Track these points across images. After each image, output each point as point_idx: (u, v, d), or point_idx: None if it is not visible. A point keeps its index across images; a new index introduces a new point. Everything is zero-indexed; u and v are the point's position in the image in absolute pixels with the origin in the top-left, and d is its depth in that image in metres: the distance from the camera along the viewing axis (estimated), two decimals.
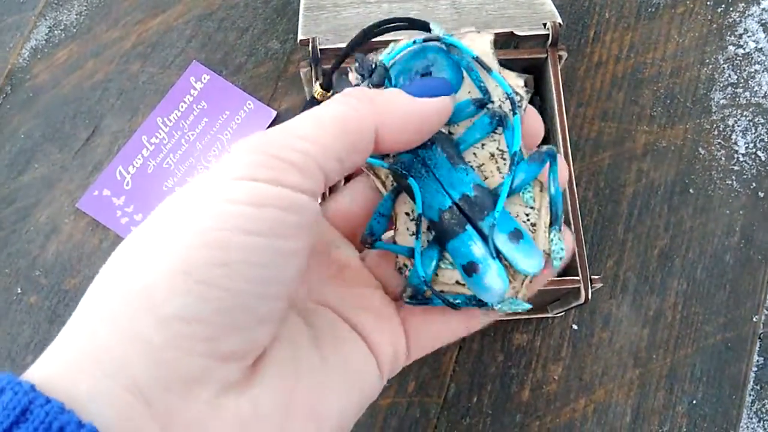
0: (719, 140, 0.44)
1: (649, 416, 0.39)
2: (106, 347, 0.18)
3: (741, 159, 0.43)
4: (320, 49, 0.35)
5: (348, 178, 0.28)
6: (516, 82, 0.26)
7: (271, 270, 0.19)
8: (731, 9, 0.46)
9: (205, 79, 0.45)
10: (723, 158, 0.43)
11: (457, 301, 0.25)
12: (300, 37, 0.36)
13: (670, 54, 0.45)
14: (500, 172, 0.25)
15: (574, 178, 0.35)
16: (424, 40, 0.25)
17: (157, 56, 0.45)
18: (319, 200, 0.23)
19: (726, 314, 0.41)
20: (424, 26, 0.26)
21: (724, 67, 0.45)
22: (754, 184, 0.43)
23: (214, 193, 0.19)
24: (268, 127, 0.41)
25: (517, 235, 0.24)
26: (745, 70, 0.45)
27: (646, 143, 0.43)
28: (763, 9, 0.46)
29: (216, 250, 0.18)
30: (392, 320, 0.25)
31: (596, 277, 0.34)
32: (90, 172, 0.44)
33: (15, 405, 0.16)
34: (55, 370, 0.18)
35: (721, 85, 0.45)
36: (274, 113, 0.44)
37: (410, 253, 0.25)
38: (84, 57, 0.45)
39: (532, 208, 0.25)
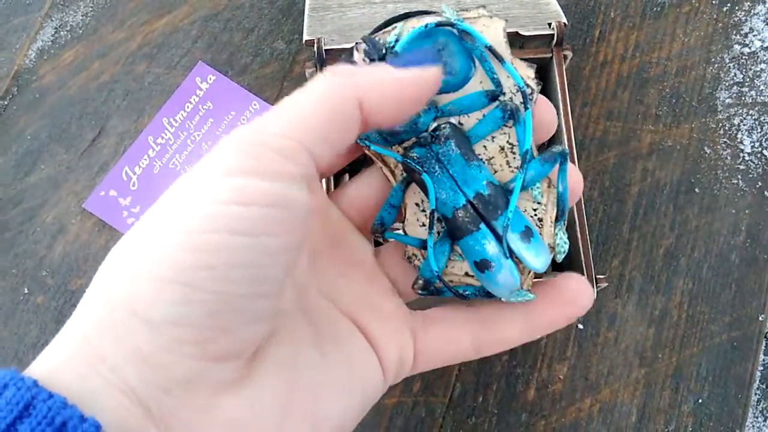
0: (725, 139, 0.44)
1: (655, 416, 0.39)
2: (98, 354, 0.18)
3: (747, 158, 0.43)
4: (325, 50, 0.35)
5: (358, 169, 0.28)
6: (527, 72, 0.26)
7: (258, 269, 0.19)
8: (737, 8, 0.46)
9: (210, 79, 0.45)
10: (729, 157, 0.43)
11: (467, 292, 0.26)
12: (305, 37, 0.36)
13: (676, 53, 0.45)
14: (509, 166, 0.25)
15: None
16: (437, 25, 0.24)
17: (162, 57, 0.46)
18: (324, 186, 0.23)
19: (732, 313, 0.41)
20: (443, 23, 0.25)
21: (729, 66, 0.45)
22: (760, 183, 0.43)
23: (199, 194, 0.19)
24: None
25: (528, 233, 0.24)
26: (750, 69, 0.45)
27: (651, 142, 0.43)
28: None
29: (202, 253, 0.18)
30: (401, 326, 0.25)
31: (602, 276, 0.34)
32: (96, 172, 0.44)
33: (18, 400, 0.16)
34: (56, 367, 0.18)
35: (727, 84, 0.44)
36: None
37: (421, 245, 0.25)
38: (90, 58, 0.46)
39: (539, 203, 0.25)
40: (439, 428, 0.39)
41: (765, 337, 0.41)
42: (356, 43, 0.25)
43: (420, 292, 0.26)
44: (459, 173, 0.24)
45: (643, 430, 0.39)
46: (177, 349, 0.18)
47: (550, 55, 0.36)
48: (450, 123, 0.24)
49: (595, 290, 0.34)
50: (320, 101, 0.20)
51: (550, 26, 0.36)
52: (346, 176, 0.35)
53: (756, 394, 0.40)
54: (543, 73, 0.39)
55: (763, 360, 0.41)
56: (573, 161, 0.34)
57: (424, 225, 0.25)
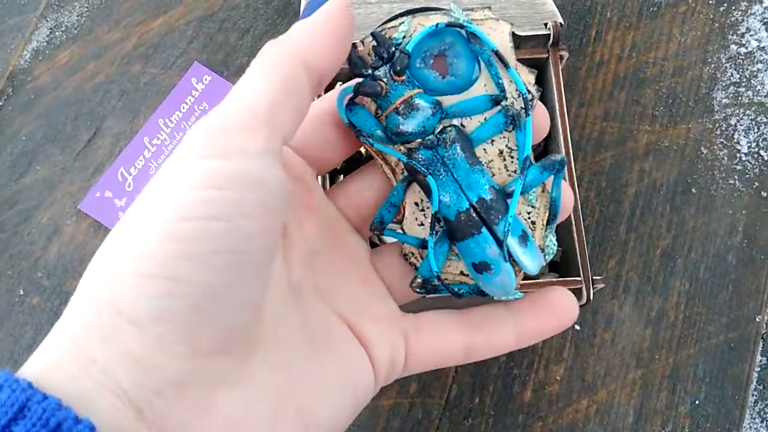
0: (722, 140, 0.43)
1: (652, 417, 0.39)
2: (88, 356, 0.18)
3: (744, 158, 0.43)
4: None
5: (356, 167, 0.28)
6: (528, 78, 0.26)
7: (239, 254, 0.19)
8: (733, 8, 0.46)
9: (206, 80, 0.45)
10: (725, 158, 0.43)
11: (462, 291, 0.26)
12: None
13: (672, 53, 0.45)
14: (507, 170, 0.25)
15: (576, 178, 0.35)
16: (447, 25, 0.24)
17: (158, 57, 0.45)
18: (319, 181, 0.23)
19: (729, 314, 0.41)
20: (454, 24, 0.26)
21: (726, 66, 0.45)
22: (756, 184, 0.43)
23: (173, 182, 0.19)
24: None
25: (524, 238, 0.25)
26: (747, 69, 0.45)
27: (648, 143, 0.43)
28: (766, 8, 0.45)
29: (182, 242, 0.18)
30: (393, 328, 0.25)
31: (598, 277, 0.34)
32: (92, 173, 0.44)
33: (13, 402, 0.16)
34: (48, 369, 0.18)
35: (724, 84, 0.44)
36: None
37: (420, 244, 0.26)
38: (85, 58, 0.46)
39: (533, 206, 0.26)
40: (435, 430, 0.39)
41: (762, 338, 0.41)
42: (362, 39, 0.25)
43: (418, 290, 0.26)
44: (463, 177, 0.24)
45: (639, 431, 0.39)
46: (166, 348, 0.18)
47: (547, 55, 0.36)
48: (455, 126, 0.25)
49: (592, 291, 0.34)
50: (267, 72, 0.21)
51: (546, 26, 0.35)
52: (341, 176, 0.35)
53: (753, 395, 0.40)
54: (539, 74, 0.39)
55: (760, 361, 0.41)
56: (569, 162, 0.35)
57: (422, 224, 0.26)
